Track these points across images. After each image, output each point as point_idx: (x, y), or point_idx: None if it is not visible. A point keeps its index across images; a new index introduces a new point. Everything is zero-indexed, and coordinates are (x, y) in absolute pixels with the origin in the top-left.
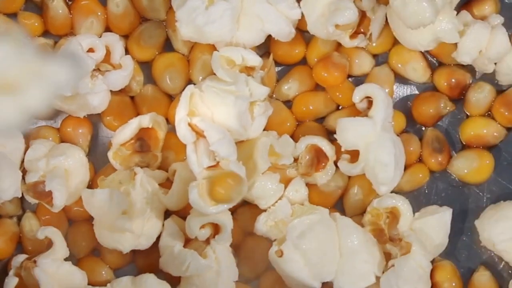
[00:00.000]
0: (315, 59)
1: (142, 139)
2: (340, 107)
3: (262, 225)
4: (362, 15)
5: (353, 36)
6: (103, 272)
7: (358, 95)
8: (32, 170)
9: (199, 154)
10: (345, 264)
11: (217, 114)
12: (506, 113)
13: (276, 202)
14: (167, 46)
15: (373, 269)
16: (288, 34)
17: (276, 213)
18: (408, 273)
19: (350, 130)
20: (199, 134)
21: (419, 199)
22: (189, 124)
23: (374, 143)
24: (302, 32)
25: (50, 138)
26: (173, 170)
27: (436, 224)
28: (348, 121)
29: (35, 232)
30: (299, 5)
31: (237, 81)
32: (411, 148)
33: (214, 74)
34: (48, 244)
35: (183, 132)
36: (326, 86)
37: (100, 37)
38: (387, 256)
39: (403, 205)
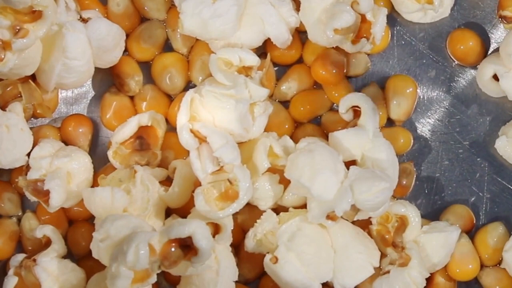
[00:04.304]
0: (312, 58)
1: (141, 138)
2: (335, 106)
3: (252, 240)
4: (362, 19)
5: (355, 41)
6: None
7: (344, 105)
8: (35, 167)
9: (203, 160)
10: (341, 259)
11: (218, 118)
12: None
13: (262, 215)
14: (167, 46)
15: (369, 259)
16: (286, 40)
17: (263, 225)
18: (401, 286)
19: (344, 143)
20: (202, 139)
21: (419, 199)
22: (191, 130)
23: (370, 150)
24: (298, 32)
25: (51, 138)
26: (173, 167)
27: (442, 242)
28: (341, 134)
29: (34, 231)
30: (297, 13)
31: (236, 85)
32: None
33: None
34: (46, 243)
35: (185, 139)
36: (325, 83)
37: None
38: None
39: (413, 216)
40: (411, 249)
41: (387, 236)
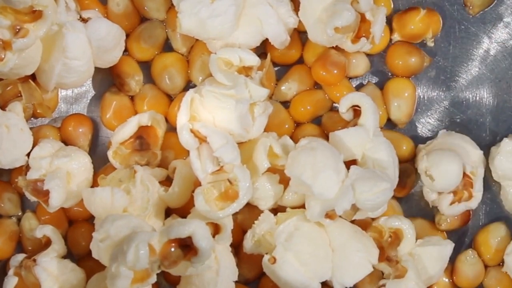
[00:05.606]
0: (312, 58)
1: (141, 138)
2: (335, 106)
3: (250, 241)
4: (362, 18)
5: (355, 40)
6: None
7: (345, 104)
8: (35, 167)
9: (203, 160)
10: (339, 258)
11: (218, 118)
12: None
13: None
14: (167, 46)
15: (368, 257)
16: (284, 41)
17: (261, 226)
18: None
19: (345, 142)
20: (202, 139)
21: (419, 199)
22: (191, 130)
23: (370, 150)
24: (298, 32)
25: (51, 138)
26: (173, 167)
27: (436, 255)
28: (342, 133)
29: (34, 231)
30: (296, 14)
31: (236, 85)
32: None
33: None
34: (46, 243)
35: (185, 139)
36: (325, 84)
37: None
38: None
39: (408, 229)
40: (407, 261)
41: (380, 253)
